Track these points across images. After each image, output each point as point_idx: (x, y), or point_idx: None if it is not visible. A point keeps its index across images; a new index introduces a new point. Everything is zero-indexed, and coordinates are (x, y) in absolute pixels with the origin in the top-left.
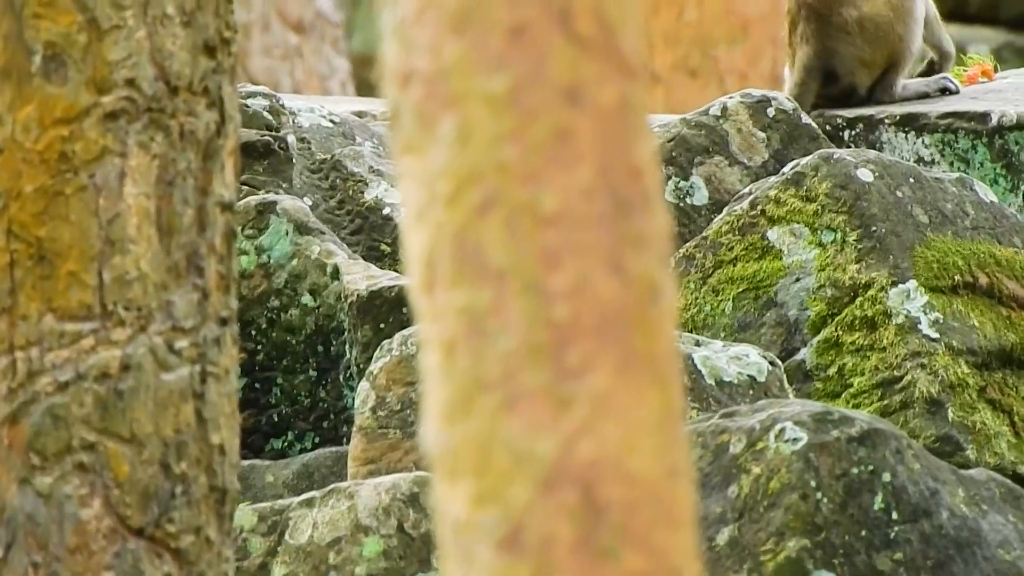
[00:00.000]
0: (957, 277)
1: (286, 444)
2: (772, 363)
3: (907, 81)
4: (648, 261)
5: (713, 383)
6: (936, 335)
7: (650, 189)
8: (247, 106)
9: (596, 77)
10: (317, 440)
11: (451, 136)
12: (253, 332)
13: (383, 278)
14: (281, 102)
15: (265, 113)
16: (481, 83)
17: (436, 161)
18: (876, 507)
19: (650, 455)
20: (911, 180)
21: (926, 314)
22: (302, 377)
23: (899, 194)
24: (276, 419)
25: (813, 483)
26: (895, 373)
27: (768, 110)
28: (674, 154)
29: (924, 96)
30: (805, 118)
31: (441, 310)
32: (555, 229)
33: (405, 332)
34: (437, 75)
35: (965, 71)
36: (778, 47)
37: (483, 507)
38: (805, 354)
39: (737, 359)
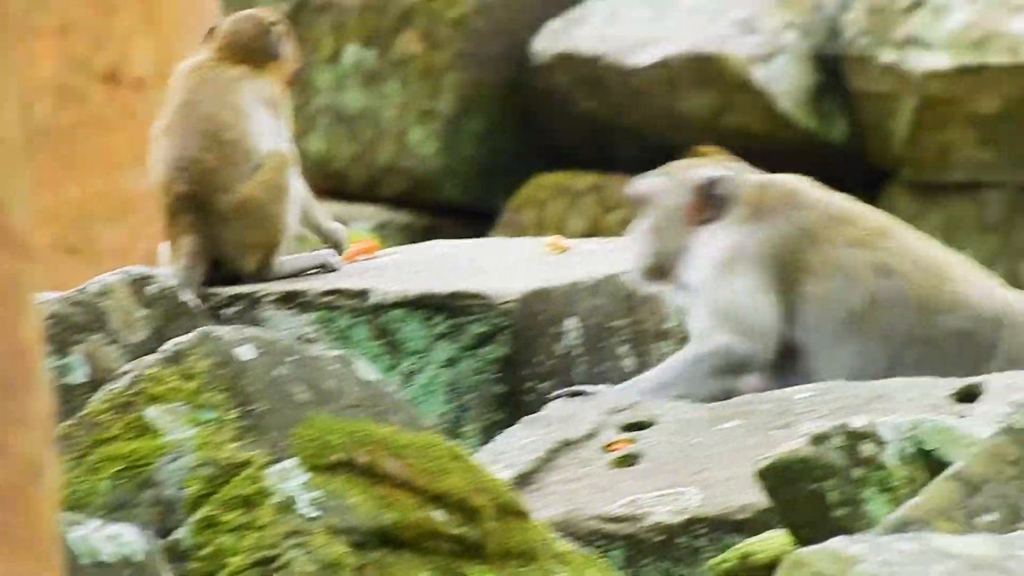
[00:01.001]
0: (337, 456)
1: None
2: (148, 543)
3: (287, 258)
4: (31, 441)
5: (90, 563)
6: (314, 514)
7: (35, 368)
8: None
9: None
10: None
11: None
12: None
13: None
14: None
15: None
16: None
17: None
18: None
19: None
20: (291, 358)
21: (304, 493)
22: None
23: (279, 372)
24: None
25: None
26: (272, 552)
27: (149, 288)
28: (53, 332)
29: (304, 272)
30: (186, 295)
31: None
32: None
33: None
34: None
35: (348, 248)
36: (159, 225)
37: None
38: (182, 533)
39: (113, 538)
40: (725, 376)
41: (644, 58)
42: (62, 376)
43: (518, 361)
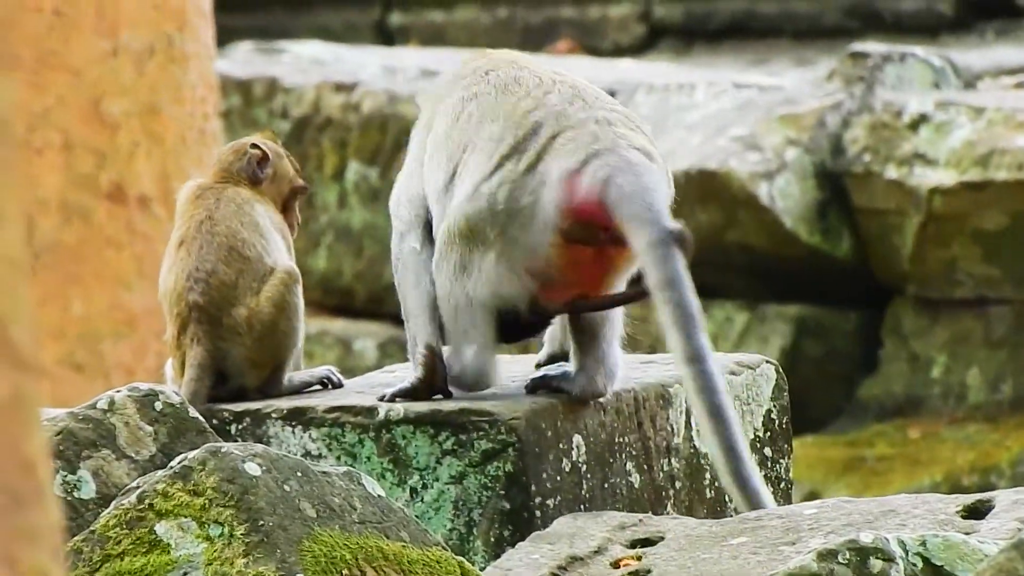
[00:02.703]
0: (345, 571)
1: None
2: None
3: (292, 374)
4: (40, 555)
5: None
6: None
7: (42, 483)
8: None
9: None
10: None
11: None
12: None
13: None
14: None
15: None
16: None
17: None
18: None
19: None
20: (298, 474)
21: None
22: None
23: (286, 488)
24: None
25: None
26: None
27: (156, 404)
28: (61, 447)
29: (309, 388)
30: (192, 412)
31: None
32: None
33: None
34: None
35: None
36: (163, 342)
37: None
38: None
39: None
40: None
41: None
42: (71, 492)
43: (525, 477)
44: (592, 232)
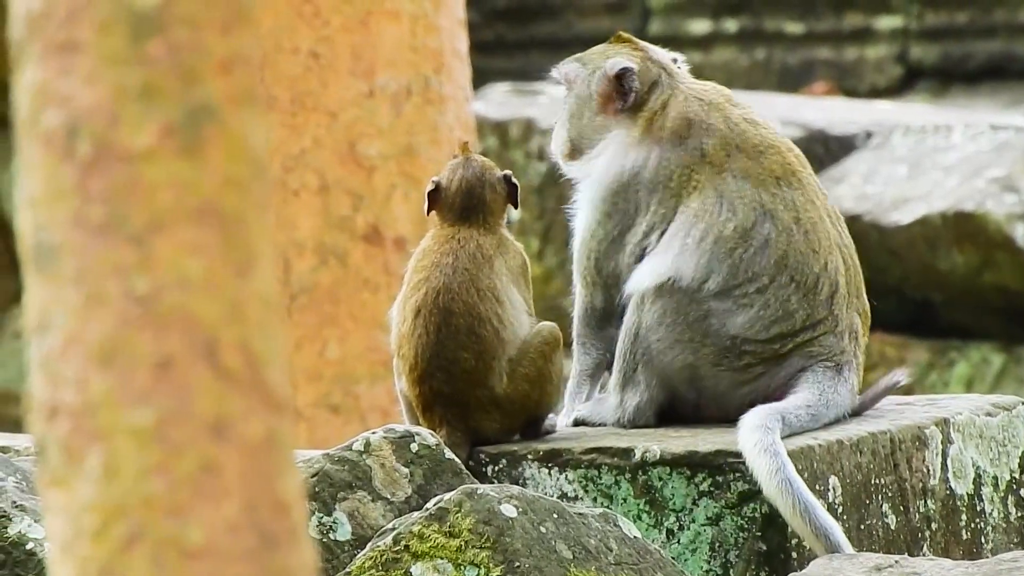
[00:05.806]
0: None
1: None
2: None
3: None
4: None
5: None
6: None
7: (296, 524)
8: None
9: (242, 411)
10: None
11: (97, 470)
12: None
13: None
14: None
15: None
16: (127, 417)
17: (82, 495)
18: None
19: None
20: (555, 515)
21: None
22: None
23: (543, 529)
24: None
25: None
26: None
27: (411, 445)
28: (317, 489)
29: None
30: (448, 453)
31: None
32: (201, 563)
33: None
34: (83, 409)
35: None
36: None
37: None
38: None
39: None
40: (602, 330)
41: (903, 216)
42: (327, 533)
43: (781, 519)
44: None
